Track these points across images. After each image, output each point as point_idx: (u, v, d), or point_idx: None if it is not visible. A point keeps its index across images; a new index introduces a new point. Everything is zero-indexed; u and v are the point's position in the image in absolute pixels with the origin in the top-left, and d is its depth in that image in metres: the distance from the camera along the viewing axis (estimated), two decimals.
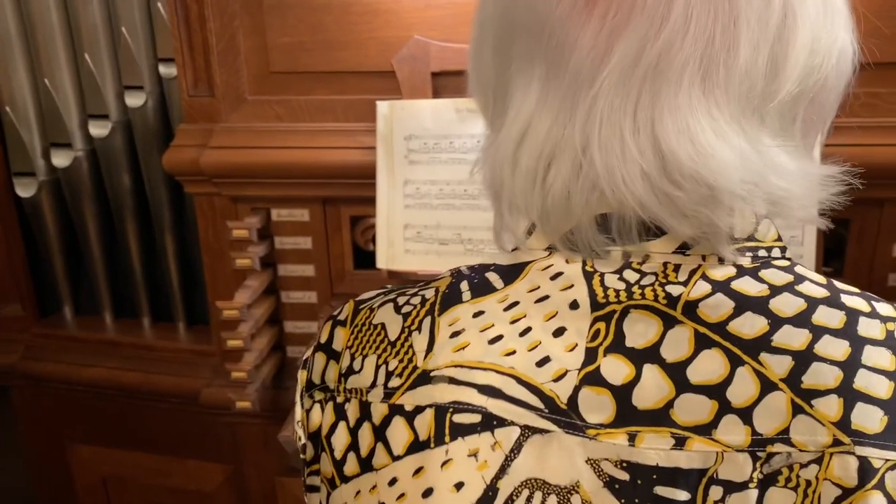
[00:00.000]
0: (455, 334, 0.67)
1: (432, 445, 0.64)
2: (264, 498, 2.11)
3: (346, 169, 1.75)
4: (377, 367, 0.69)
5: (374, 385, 0.68)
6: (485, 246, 1.62)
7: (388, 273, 1.70)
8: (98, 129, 1.98)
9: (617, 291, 0.64)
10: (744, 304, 0.61)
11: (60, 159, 2.04)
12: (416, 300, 0.71)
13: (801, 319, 0.60)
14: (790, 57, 0.61)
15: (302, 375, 0.78)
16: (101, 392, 2.18)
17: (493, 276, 0.70)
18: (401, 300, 0.72)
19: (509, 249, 0.72)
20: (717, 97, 0.60)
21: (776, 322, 0.60)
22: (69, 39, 1.94)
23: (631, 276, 0.64)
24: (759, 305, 0.61)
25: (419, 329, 0.69)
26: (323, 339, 0.76)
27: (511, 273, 0.69)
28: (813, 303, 0.61)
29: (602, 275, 0.65)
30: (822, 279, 0.65)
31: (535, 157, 0.64)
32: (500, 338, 0.66)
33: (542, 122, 0.64)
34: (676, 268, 0.64)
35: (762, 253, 0.65)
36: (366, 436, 0.67)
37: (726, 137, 0.59)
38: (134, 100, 1.92)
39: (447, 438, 0.64)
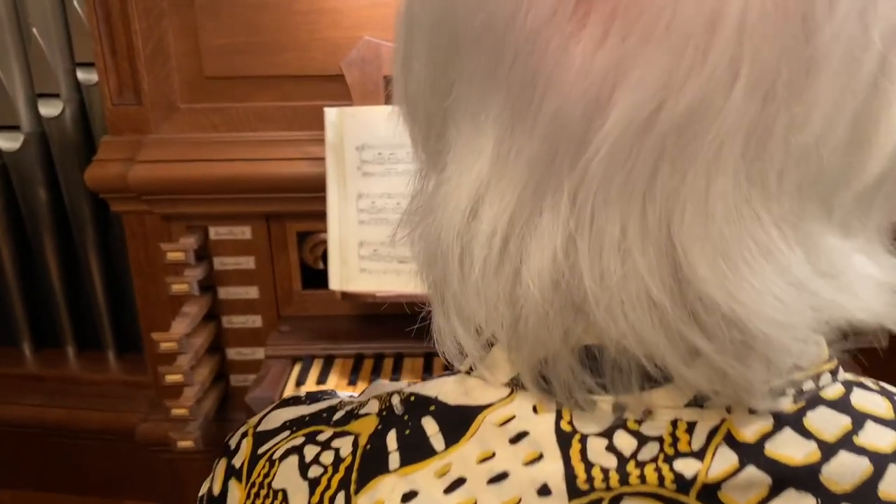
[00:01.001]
0: None
1: None
2: None
3: (292, 182, 1.61)
4: None
5: None
6: None
7: (342, 294, 1.56)
8: (7, 142, 1.77)
9: (605, 471, 0.45)
10: (785, 478, 0.44)
11: None
12: (328, 458, 0.51)
13: (864, 497, 0.44)
14: (882, 121, 0.41)
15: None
16: (22, 433, 1.98)
17: (430, 426, 0.49)
18: (308, 452, 0.52)
19: (462, 368, 0.51)
20: (769, 185, 0.39)
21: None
22: None
23: (625, 443, 0.45)
24: (806, 480, 0.44)
25: None
26: (216, 489, 0.56)
27: (455, 424, 0.49)
28: (881, 465, 0.45)
29: (584, 439, 0.46)
30: (885, 408, 0.47)
31: (496, 246, 0.43)
32: None
33: (501, 195, 0.42)
34: (690, 428, 0.45)
35: (808, 386, 0.46)
36: None
37: (779, 254, 0.40)
38: (49, 109, 1.73)
39: None
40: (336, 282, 1.56)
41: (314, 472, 0.50)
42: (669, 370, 0.42)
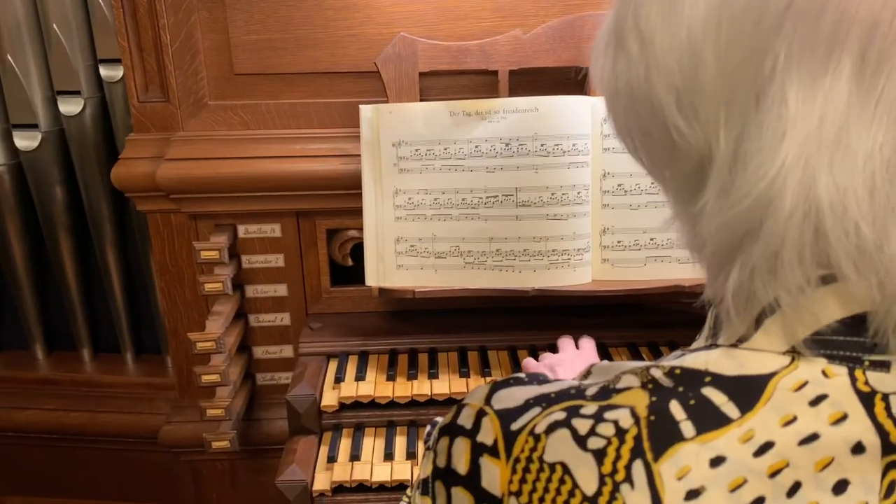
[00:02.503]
0: (693, 494, 0.50)
1: None
2: None
3: (324, 179, 1.60)
4: None
5: None
6: (487, 258, 1.51)
7: (378, 290, 1.56)
8: (25, 141, 1.73)
9: None
10: None
11: None
12: (607, 429, 0.53)
13: None
14: None
15: (429, 461, 0.61)
16: (36, 437, 1.93)
17: (717, 396, 0.52)
18: (579, 425, 0.53)
19: (722, 343, 0.55)
20: None
21: None
22: None
23: None
24: None
25: (629, 480, 0.51)
26: (461, 469, 0.57)
27: (744, 392, 0.52)
28: None
29: (886, 398, 0.49)
30: None
31: (866, 189, 0.47)
32: (761, 501, 0.49)
33: (862, 137, 0.47)
34: None
35: None
36: None
37: None
38: (69, 106, 1.69)
39: None
40: (373, 278, 1.56)
41: (595, 443, 0.52)
42: None
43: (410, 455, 1.44)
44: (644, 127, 0.59)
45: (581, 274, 1.52)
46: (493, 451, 0.56)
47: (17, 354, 2.03)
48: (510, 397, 0.58)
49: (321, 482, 1.38)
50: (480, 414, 0.58)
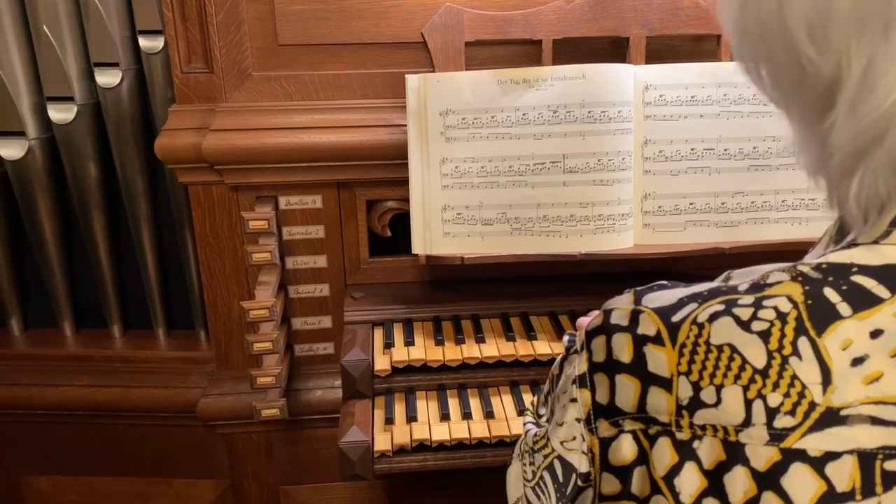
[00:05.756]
0: (857, 361, 0.58)
1: (858, 497, 0.56)
2: None
3: (367, 150, 1.62)
4: (748, 402, 0.59)
5: (747, 423, 0.59)
6: (534, 224, 1.55)
7: (426, 258, 1.59)
8: (60, 114, 1.72)
9: None
10: None
11: (9, 150, 1.76)
12: (767, 313, 0.60)
13: None
14: None
15: (583, 396, 0.68)
16: (68, 415, 1.92)
17: (866, 281, 0.60)
18: (740, 312, 0.61)
19: (862, 241, 0.63)
20: None
21: None
22: (20, 10, 1.66)
23: None
24: None
25: (797, 354, 0.59)
26: (625, 358, 0.65)
27: (891, 276, 0.59)
28: None
29: None
30: None
31: None
32: None
33: None
34: None
35: None
36: (739, 482, 0.59)
37: None
38: (107, 78, 1.68)
39: (878, 489, 0.56)
40: (419, 245, 1.59)
41: (759, 326, 0.60)
42: None
43: (466, 415, 1.47)
44: (774, 60, 0.65)
45: (625, 238, 1.57)
46: (656, 340, 0.64)
47: (45, 332, 2.01)
48: (661, 298, 0.67)
49: (381, 443, 1.41)
50: (636, 313, 0.66)
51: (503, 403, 1.51)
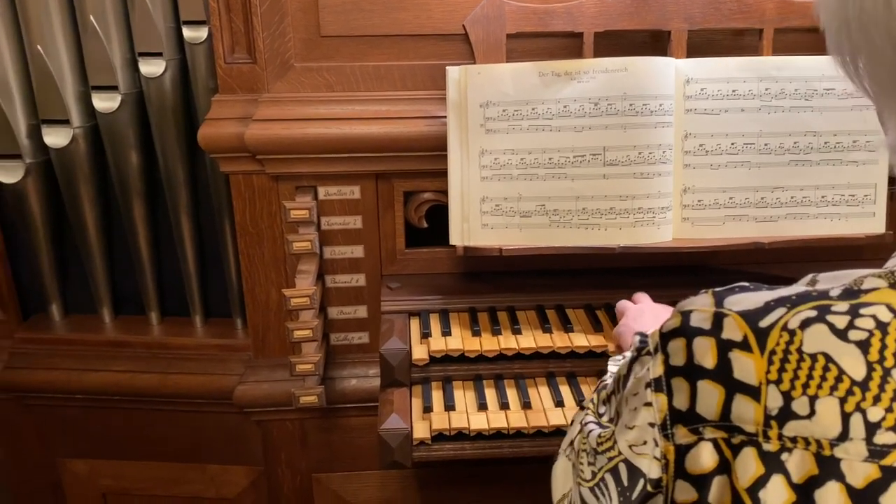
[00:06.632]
0: None
1: None
2: (297, 498, 1.97)
3: (407, 141, 1.63)
4: (845, 416, 0.57)
5: (843, 437, 0.57)
6: (573, 217, 1.55)
7: (464, 249, 1.60)
8: (104, 103, 1.74)
9: None
10: None
11: (55, 138, 1.79)
12: (866, 322, 0.58)
13: None
14: None
15: (659, 400, 0.66)
16: (106, 399, 1.95)
17: None
18: (835, 320, 0.59)
19: None
20: None
21: None
22: (68, 1, 1.69)
23: None
24: None
25: None
26: (708, 363, 0.63)
27: None
28: None
29: None
30: None
31: None
32: None
33: None
34: None
35: None
36: (833, 498, 0.57)
37: None
38: (151, 68, 1.71)
39: None
40: (457, 237, 1.60)
41: (857, 335, 0.58)
42: None
43: (503, 406, 1.48)
44: (874, 52, 0.64)
45: (664, 232, 1.57)
46: (743, 346, 0.61)
47: (84, 318, 2.04)
48: (745, 301, 0.64)
49: (420, 431, 1.42)
50: (719, 315, 0.64)
51: (540, 394, 1.52)
